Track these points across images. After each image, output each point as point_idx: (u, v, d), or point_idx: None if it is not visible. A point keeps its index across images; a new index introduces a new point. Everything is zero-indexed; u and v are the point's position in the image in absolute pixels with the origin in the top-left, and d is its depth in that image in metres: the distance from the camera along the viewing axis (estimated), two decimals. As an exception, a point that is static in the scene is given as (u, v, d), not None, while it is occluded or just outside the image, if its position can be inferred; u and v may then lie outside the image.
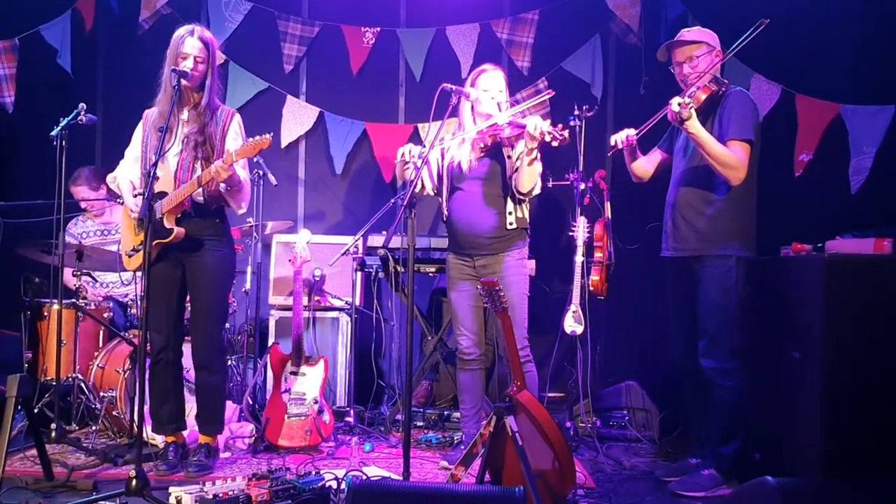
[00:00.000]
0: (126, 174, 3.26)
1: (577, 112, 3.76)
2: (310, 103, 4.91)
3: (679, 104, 2.88)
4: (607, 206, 3.92)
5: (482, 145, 3.29)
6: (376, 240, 4.13)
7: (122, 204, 3.29)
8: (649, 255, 3.50)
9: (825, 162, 4.36)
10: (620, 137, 3.20)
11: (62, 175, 3.32)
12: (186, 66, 3.08)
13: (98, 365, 3.81)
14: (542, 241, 4.03)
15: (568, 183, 3.88)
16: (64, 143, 3.29)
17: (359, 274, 4.30)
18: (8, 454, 2.82)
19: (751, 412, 3.08)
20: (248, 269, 4.33)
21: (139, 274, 3.19)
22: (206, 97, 3.18)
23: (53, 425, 3.36)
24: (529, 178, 3.17)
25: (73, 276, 3.78)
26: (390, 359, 4.47)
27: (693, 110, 2.90)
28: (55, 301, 3.51)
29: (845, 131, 4.32)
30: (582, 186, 3.82)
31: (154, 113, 3.23)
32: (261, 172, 4.05)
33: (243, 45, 4.88)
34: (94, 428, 3.66)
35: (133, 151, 3.30)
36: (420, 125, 4.79)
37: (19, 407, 2.85)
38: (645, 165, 3.36)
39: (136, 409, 2.99)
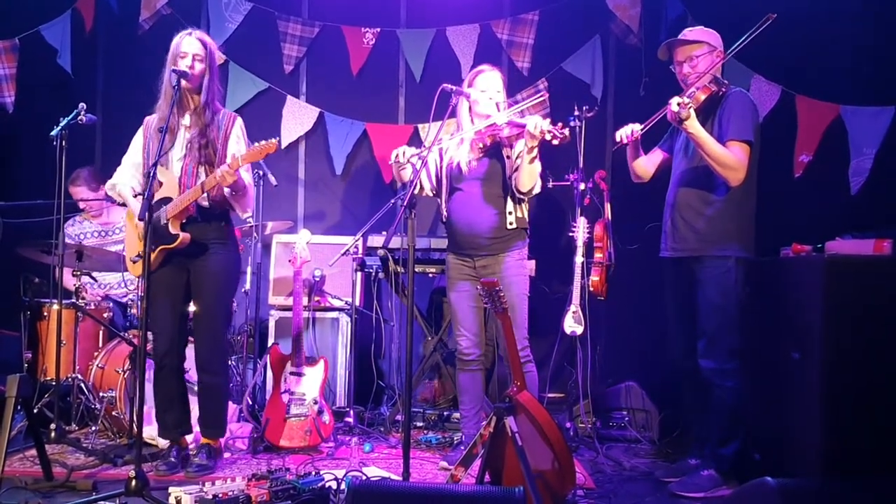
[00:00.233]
0: (126, 181, 3.25)
1: (577, 112, 3.76)
2: (310, 104, 4.92)
3: (678, 104, 2.88)
4: (607, 206, 3.92)
5: (481, 145, 3.29)
6: (376, 240, 4.14)
7: (122, 205, 3.28)
8: (649, 255, 3.50)
9: (825, 163, 4.36)
10: (626, 132, 3.16)
11: (62, 175, 3.32)
12: (185, 64, 3.07)
13: (98, 365, 3.81)
14: (542, 242, 4.03)
15: (568, 183, 3.88)
16: (64, 143, 3.29)
17: (359, 274, 4.30)
18: (7, 454, 2.82)
19: (751, 413, 3.08)
20: (248, 270, 4.33)
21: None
22: (204, 96, 3.17)
23: (53, 425, 3.36)
24: (530, 177, 3.17)
25: (73, 275, 3.78)
26: (390, 359, 4.46)
27: (692, 110, 2.90)
28: (55, 301, 3.51)
29: (845, 132, 4.32)
30: (582, 187, 3.81)
31: (155, 119, 3.22)
32: (261, 173, 4.05)
33: (243, 45, 4.88)
34: (93, 428, 3.66)
35: (132, 158, 3.29)
36: (420, 126, 4.80)
37: (19, 407, 2.86)
38: (646, 165, 3.36)
39: (135, 409, 2.99)
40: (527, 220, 3.35)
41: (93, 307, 3.92)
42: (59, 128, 3.28)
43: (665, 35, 4.32)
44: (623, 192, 4.14)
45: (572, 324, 3.69)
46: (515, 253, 3.31)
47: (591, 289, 3.81)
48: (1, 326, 4.09)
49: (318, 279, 4.20)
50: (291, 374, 3.70)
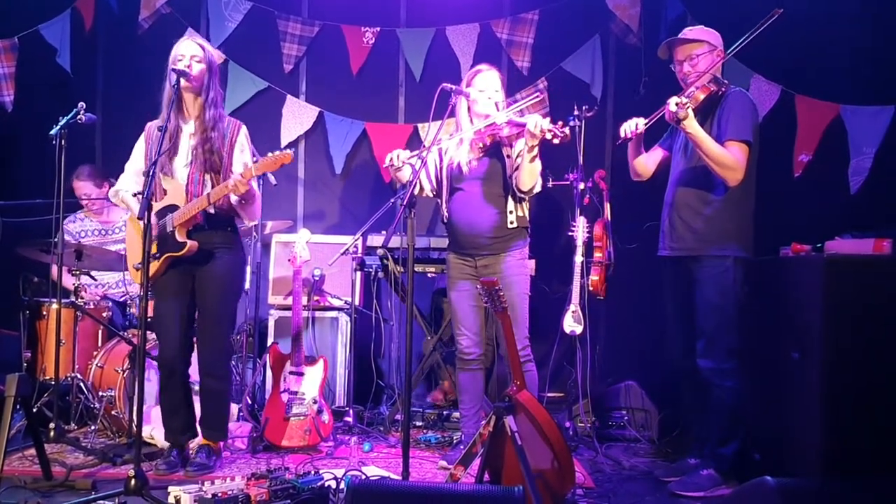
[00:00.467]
0: (130, 188, 3.24)
1: (576, 112, 3.75)
2: (309, 103, 4.91)
3: (676, 104, 2.88)
4: (607, 206, 3.91)
5: (481, 145, 3.29)
6: (376, 239, 4.13)
7: (123, 207, 3.28)
8: (648, 254, 3.50)
9: (825, 162, 4.36)
10: (630, 127, 3.13)
11: (61, 174, 3.31)
12: (182, 64, 3.07)
13: (97, 364, 3.81)
14: (541, 241, 4.03)
15: (567, 183, 3.88)
16: (63, 142, 3.29)
17: (358, 274, 4.30)
18: (6, 453, 2.82)
19: (750, 412, 3.08)
20: (248, 269, 4.33)
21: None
22: (204, 95, 3.16)
23: (52, 425, 3.35)
24: (530, 176, 3.17)
25: (72, 275, 3.78)
26: (389, 359, 4.46)
27: (690, 110, 2.90)
28: (54, 300, 3.51)
29: (845, 132, 4.32)
30: (581, 186, 3.81)
31: (156, 125, 3.22)
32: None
33: (243, 44, 4.87)
34: (92, 427, 3.65)
35: (135, 165, 3.28)
36: (420, 125, 4.79)
37: (18, 406, 2.85)
38: (646, 163, 3.36)
39: (134, 408, 2.99)
40: (527, 219, 3.36)
41: (92, 306, 3.92)
42: (58, 127, 3.27)
43: (665, 35, 4.31)
44: (622, 192, 4.14)
45: (572, 323, 3.69)
46: (517, 252, 3.31)
47: (591, 288, 3.80)
48: (0, 326, 4.09)
49: (317, 279, 4.20)
50: (291, 373, 3.70)
